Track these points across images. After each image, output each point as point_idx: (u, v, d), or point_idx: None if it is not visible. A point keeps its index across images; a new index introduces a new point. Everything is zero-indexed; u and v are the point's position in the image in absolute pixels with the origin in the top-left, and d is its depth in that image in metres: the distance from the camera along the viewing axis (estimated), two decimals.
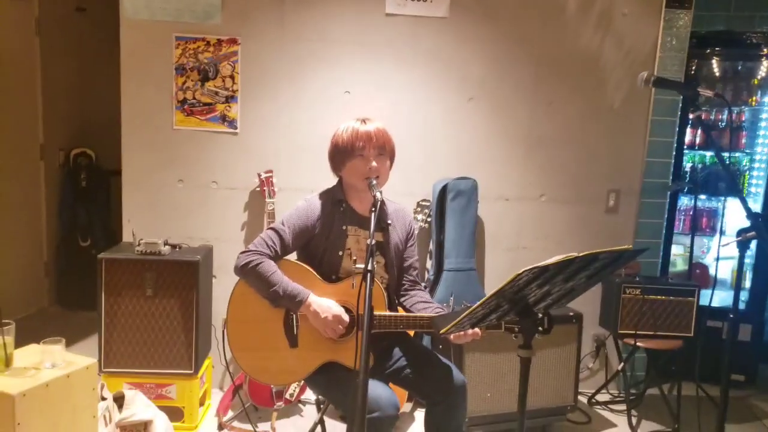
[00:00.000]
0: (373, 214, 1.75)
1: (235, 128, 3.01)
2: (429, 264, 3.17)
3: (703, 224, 3.64)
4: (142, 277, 2.61)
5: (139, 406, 2.48)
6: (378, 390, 1.88)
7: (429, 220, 3.05)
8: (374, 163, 2.00)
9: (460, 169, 3.14)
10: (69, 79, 4.50)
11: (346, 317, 1.95)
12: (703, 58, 3.43)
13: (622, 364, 3.06)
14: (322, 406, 2.33)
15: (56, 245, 4.51)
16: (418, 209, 3.03)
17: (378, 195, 1.83)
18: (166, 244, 2.67)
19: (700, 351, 2.81)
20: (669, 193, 3.33)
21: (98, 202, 4.53)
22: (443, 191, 3.03)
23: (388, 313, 1.96)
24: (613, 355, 3.27)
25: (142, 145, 2.99)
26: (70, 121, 4.57)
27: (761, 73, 3.46)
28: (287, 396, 2.81)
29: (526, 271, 1.38)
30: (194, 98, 2.95)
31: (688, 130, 3.52)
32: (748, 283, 3.53)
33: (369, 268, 1.58)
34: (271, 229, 2.04)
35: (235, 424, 2.79)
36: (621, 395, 3.20)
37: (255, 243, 2.00)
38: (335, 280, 2.04)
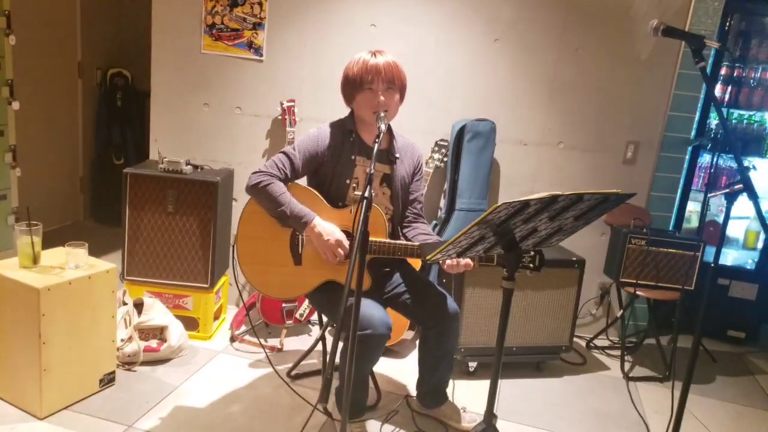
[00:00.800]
0: (376, 144, 1.81)
1: (261, 56, 3.06)
2: (442, 203, 3.24)
3: (722, 183, 3.59)
4: (164, 194, 2.76)
5: (157, 313, 2.69)
6: (372, 309, 2.01)
7: (446, 159, 3.10)
8: (382, 98, 2.05)
9: (481, 110, 3.15)
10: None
11: (346, 242, 2.06)
12: (743, 11, 3.30)
13: (622, 311, 3.14)
14: (324, 323, 2.49)
15: (91, 162, 4.72)
16: (436, 148, 3.07)
17: (382, 127, 1.89)
18: (188, 164, 2.80)
19: (704, 305, 2.85)
20: (689, 148, 3.29)
21: (133, 122, 4.69)
22: (461, 132, 3.06)
23: (381, 239, 2.05)
24: (616, 304, 3.34)
25: (171, 67, 3.09)
26: (108, 41, 4.68)
27: None
28: (297, 316, 2.98)
29: (505, 203, 1.44)
30: (222, 23, 3.01)
31: (718, 86, 3.44)
32: (760, 244, 3.52)
33: (366, 195, 1.67)
34: (283, 152, 2.13)
35: (246, 337, 2.99)
36: (619, 342, 3.29)
37: (266, 164, 2.10)
38: (341, 207, 2.14)
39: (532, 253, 2.08)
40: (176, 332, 2.70)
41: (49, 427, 2.12)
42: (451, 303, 2.20)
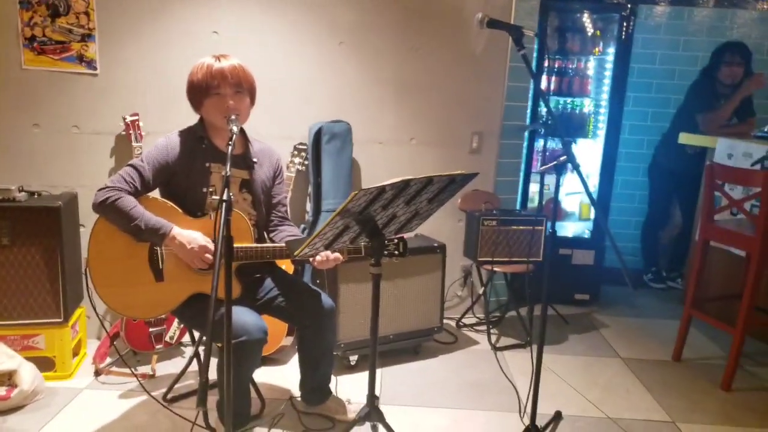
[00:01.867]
0: (230, 147, 1.78)
1: (95, 69, 2.87)
2: (308, 206, 3.27)
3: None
4: None
5: (2, 357, 2.42)
6: (245, 316, 1.98)
7: (306, 162, 3.13)
8: (231, 102, 2.03)
9: (336, 112, 3.23)
10: None
11: (211, 246, 2.01)
12: (557, 9, 3.73)
13: (483, 288, 3.39)
14: (197, 339, 2.40)
15: None
16: (296, 152, 3.09)
17: (234, 129, 1.86)
18: (21, 190, 2.55)
19: (547, 274, 3.16)
20: (525, 134, 3.64)
21: None
22: (318, 134, 3.12)
23: (247, 244, 2.03)
24: (478, 283, 3.59)
25: None
26: None
27: (605, 26, 3.82)
28: (167, 339, 2.84)
29: (363, 190, 1.52)
30: (44, 35, 2.78)
31: (544, 77, 3.84)
32: (592, 215, 3.99)
33: (224, 198, 1.65)
34: (130, 165, 2.03)
35: (113, 369, 2.78)
36: (485, 317, 3.54)
37: (113, 179, 1.99)
38: (200, 216, 2.09)
39: (396, 240, 2.18)
40: (28, 375, 2.44)
41: None
42: (325, 299, 2.24)
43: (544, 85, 3.86)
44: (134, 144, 2.80)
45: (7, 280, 2.54)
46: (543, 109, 3.88)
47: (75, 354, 2.79)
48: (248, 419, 2.20)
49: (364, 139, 3.31)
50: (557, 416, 2.48)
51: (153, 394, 2.44)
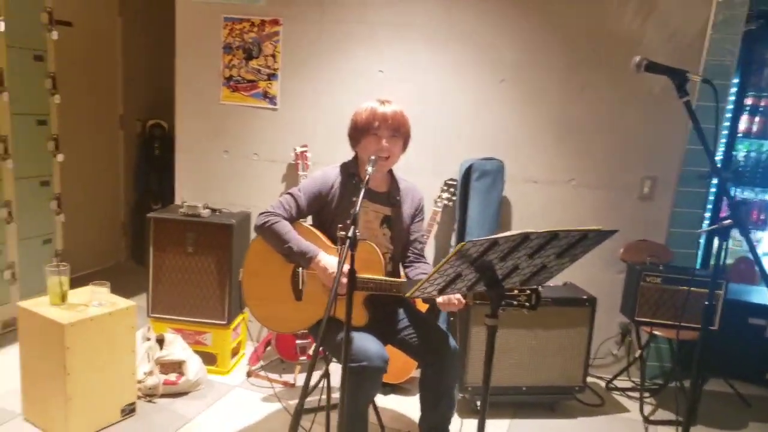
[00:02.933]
0: (364, 186, 1.88)
1: (275, 104, 3.25)
2: (453, 242, 3.29)
3: (754, 217, 3.49)
4: (184, 236, 2.92)
5: (177, 348, 2.82)
6: (367, 343, 2.06)
7: (454, 198, 3.15)
8: (385, 143, 2.15)
9: (489, 150, 3.21)
10: (147, 56, 4.93)
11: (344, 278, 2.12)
12: (763, 39, 3.26)
13: (640, 351, 3.06)
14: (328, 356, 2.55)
15: (131, 207, 5.01)
16: (445, 187, 3.14)
17: (369, 169, 1.97)
18: (206, 207, 2.96)
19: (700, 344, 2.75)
20: (709, 182, 3.23)
21: (169, 169, 4.95)
22: (468, 171, 3.13)
23: (369, 276, 2.10)
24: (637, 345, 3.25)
25: (193, 117, 3.31)
26: (147, 94, 5.02)
27: None
28: (310, 352, 3.05)
29: (471, 242, 1.49)
30: (239, 75, 3.22)
31: (745, 117, 3.38)
32: None
33: (349, 234, 1.75)
34: (289, 193, 2.25)
35: (262, 373, 3.07)
36: (645, 383, 3.18)
37: (273, 205, 2.22)
38: (337, 246, 2.22)
39: (528, 291, 2.08)
40: (194, 367, 2.81)
41: None
42: (451, 341, 2.23)
43: (743, 126, 3.39)
44: (300, 173, 3.09)
45: (188, 283, 2.97)
46: (741, 154, 3.42)
47: (235, 353, 3.14)
48: None
49: (518, 177, 3.23)
50: None
51: (290, 402, 2.63)
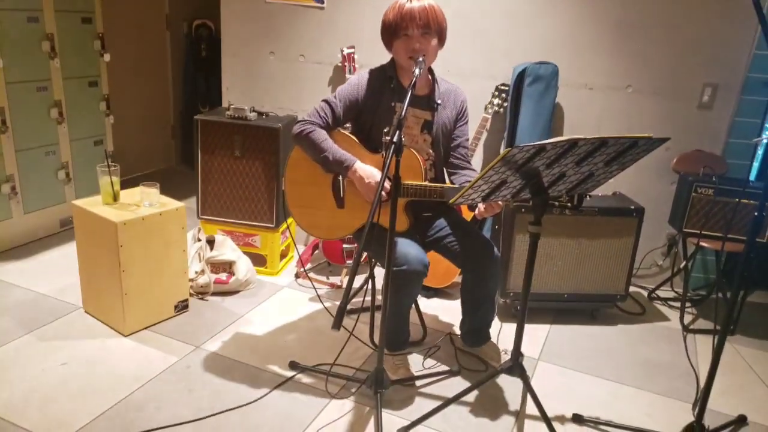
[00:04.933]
0: (411, 90, 1.84)
1: (323, 3, 3.13)
2: (502, 149, 3.22)
3: None
4: (232, 140, 2.96)
5: (227, 249, 2.95)
6: (408, 248, 2.10)
7: (505, 105, 3.06)
8: (417, 44, 2.05)
9: (544, 54, 3.05)
10: None
11: (386, 184, 2.14)
12: None
13: (685, 262, 3.02)
14: (372, 261, 2.63)
15: (180, 110, 5.08)
16: (496, 93, 3.04)
17: (416, 72, 1.92)
18: (253, 110, 2.97)
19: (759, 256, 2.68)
20: None
21: (216, 70, 4.95)
22: (521, 75, 3.00)
23: (411, 182, 2.10)
24: (683, 256, 3.21)
25: (239, 18, 3.24)
26: None
27: None
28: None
29: (518, 147, 1.46)
30: None
31: None
32: None
33: (395, 140, 1.73)
34: (325, 101, 2.22)
35: (311, 275, 3.21)
36: (688, 294, 3.18)
37: (309, 113, 2.20)
38: (380, 152, 2.22)
39: (565, 196, 2.05)
40: (243, 267, 2.95)
41: (131, 343, 2.45)
42: (490, 247, 2.24)
43: None
44: (347, 75, 3.03)
45: (236, 186, 3.05)
46: None
47: (284, 256, 3.27)
48: (406, 344, 2.38)
49: (573, 83, 3.09)
50: (740, 420, 2.19)
51: (335, 302, 2.76)
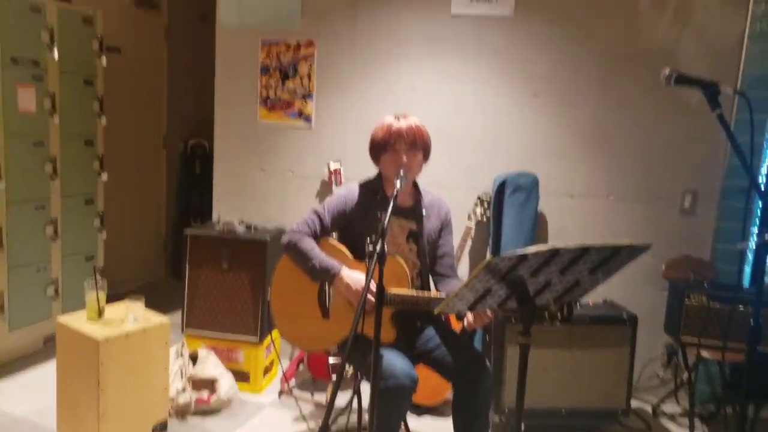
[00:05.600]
0: (393, 201, 1.87)
1: (310, 123, 3.29)
2: (488, 257, 3.23)
3: None
4: (220, 253, 2.97)
5: (209, 365, 2.84)
6: (395, 360, 2.03)
7: (487, 214, 3.11)
8: (404, 158, 2.14)
9: (523, 164, 3.16)
10: (191, 79, 5.08)
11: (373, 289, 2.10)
12: None
13: (688, 374, 2.91)
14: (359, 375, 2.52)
15: (173, 224, 5.13)
16: (478, 202, 3.10)
17: (397, 184, 1.97)
18: (241, 223, 3.01)
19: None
20: (753, 196, 3.08)
21: (209, 186, 5.06)
22: (502, 186, 3.08)
23: (396, 290, 2.07)
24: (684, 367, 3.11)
25: (232, 136, 3.39)
26: (190, 115, 5.17)
27: None
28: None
29: (500, 256, 1.45)
30: (276, 95, 3.29)
31: None
32: None
33: (377, 249, 1.73)
34: (314, 211, 2.25)
35: (295, 392, 3.07)
36: (696, 409, 3.03)
37: (298, 223, 2.23)
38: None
39: (556, 305, 2.02)
40: (226, 384, 2.83)
41: None
42: (481, 359, 2.17)
43: None
44: (334, 188, 3.11)
45: (222, 299, 3.00)
46: None
47: (267, 371, 3.15)
48: None
49: (554, 191, 3.17)
50: None
51: (320, 422, 2.61)
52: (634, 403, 3.02)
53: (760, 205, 3.17)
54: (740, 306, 2.66)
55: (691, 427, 2.80)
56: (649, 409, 3.08)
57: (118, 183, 4.36)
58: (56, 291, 3.43)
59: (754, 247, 3.11)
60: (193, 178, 5.05)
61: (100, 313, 2.43)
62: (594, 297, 3.02)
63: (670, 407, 3.09)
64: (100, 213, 3.76)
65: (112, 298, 2.51)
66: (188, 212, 5.04)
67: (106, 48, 3.66)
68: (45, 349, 3.38)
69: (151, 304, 2.50)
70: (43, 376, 3.04)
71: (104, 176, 3.74)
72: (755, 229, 3.06)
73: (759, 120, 2.98)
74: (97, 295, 2.41)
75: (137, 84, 4.57)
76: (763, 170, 3.15)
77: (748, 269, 3.21)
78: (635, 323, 2.71)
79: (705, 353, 2.71)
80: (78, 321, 2.42)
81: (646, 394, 3.19)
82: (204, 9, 5.02)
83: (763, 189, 3.07)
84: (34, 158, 3.25)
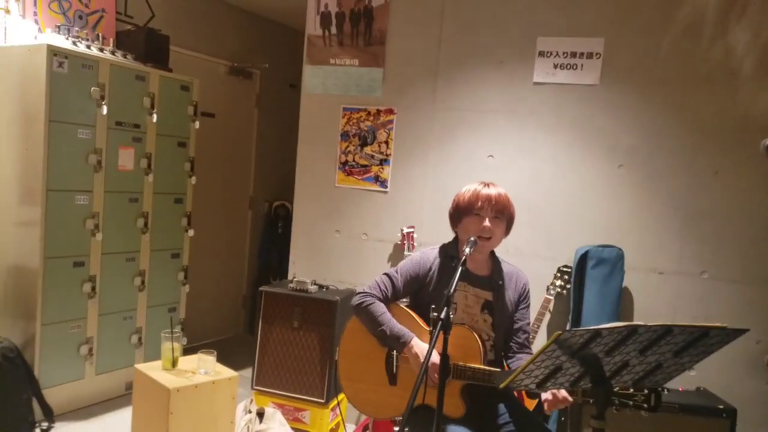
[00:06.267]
0: (460, 267, 1.84)
1: (386, 188, 3.35)
2: None
3: None
4: (292, 311, 3.02)
5: (276, 423, 2.84)
6: None
7: (568, 286, 2.98)
8: (488, 223, 2.11)
9: (607, 237, 3.03)
10: (278, 144, 5.39)
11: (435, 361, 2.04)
12: None
13: None
14: None
15: (253, 282, 5.31)
16: (558, 274, 2.99)
17: (466, 250, 1.94)
18: (314, 284, 3.06)
19: None
20: None
21: (289, 246, 5.25)
22: (584, 258, 2.96)
23: (466, 363, 2.01)
24: None
25: (310, 199, 3.51)
26: (276, 178, 5.44)
27: None
28: None
29: (569, 331, 1.37)
30: (354, 161, 3.39)
31: None
32: None
33: (442, 317, 1.70)
34: (386, 274, 2.25)
35: None
36: None
37: (370, 285, 2.23)
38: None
39: (646, 391, 1.86)
40: None
41: None
42: None
43: None
44: (406, 253, 3.11)
45: (292, 358, 3.02)
46: None
47: None
48: None
49: (640, 267, 2.99)
50: None
51: None
52: None
53: None
54: None
55: None
56: None
57: (205, 240, 4.60)
58: (140, 339, 3.60)
59: None
60: (275, 238, 5.24)
61: (174, 363, 2.52)
62: (686, 383, 2.77)
63: None
64: (184, 267, 3.95)
65: (189, 351, 2.59)
66: (268, 271, 5.20)
67: (201, 113, 3.96)
68: (126, 394, 3.53)
69: (225, 359, 2.56)
70: (123, 420, 3.16)
71: (191, 232, 3.95)
72: None
73: None
74: (172, 345, 2.50)
75: (228, 147, 4.89)
76: None
77: None
78: (734, 417, 2.44)
79: None
80: (154, 369, 2.52)
81: None
82: (293, 78, 5.38)
83: None
84: (129, 213, 3.50)
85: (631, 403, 1.82)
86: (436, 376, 2.04)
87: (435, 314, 2.08)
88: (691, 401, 2.49)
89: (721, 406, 2.46)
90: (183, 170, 3.86)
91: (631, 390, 1.79)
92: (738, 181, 2.87)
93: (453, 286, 1.76)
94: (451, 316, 1.73)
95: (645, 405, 1.83)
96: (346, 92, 3.40)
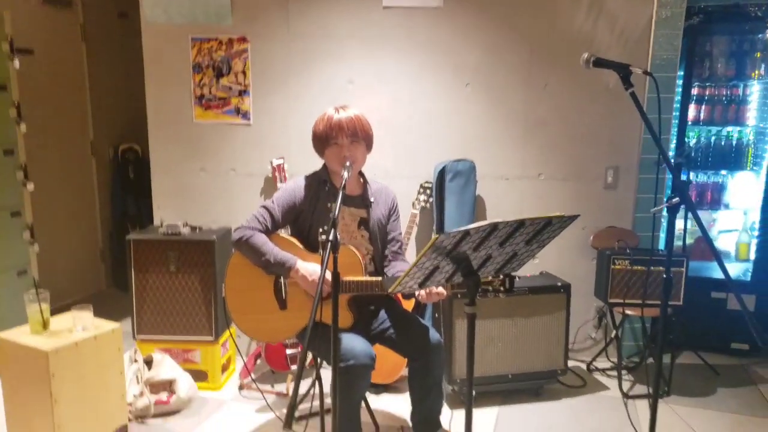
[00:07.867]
0: (342, 191, 1.96)
1: (249, 120, 3.31)
2: None
3: (708, 198, 3.68)
4: (166, 256, 2.96)
5: (165, 367, 2.85)
6: (354, 342, 2.14)
7: (431, 200, 3.25)
8: (347, 152, 2.23)
9: (462, 151, 3.33)
10: (115, 81, 4.93)
11: (329, 278, 2.20)
12: (704, 33, 3.44)
13: (615, 331, 3.19)
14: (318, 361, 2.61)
15: (109, 233, 4.99)
16: (421, 190, 3.23)
17: (345, 175, 2.06)
18: (186, 225, 3.01)
19: (681, 319, 2.89)
20: (666, 168, 3.39)
21: (145, 191, 4.95)
22: (442, 172, 3.23)
23: (351, 278, 2.19)
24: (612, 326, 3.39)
25: (167, 138, 3.35)
26: (118, 119, 5.02)
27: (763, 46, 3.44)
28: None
29: (445, 234, 1.59)
30: (210, 93, 3.28)
31: (692, 106, 3.55)
32: (753, 255, 3.55)
33: (330, 238, 1.82)
34: (263, 206, 2.31)
35: (254, 385, 3.11)
36: (623, 362, 3.31)
37: (248, 219, 2.28)
38: (319, 253, 2.30)
39: (502, 276, 2.18)
40: (185, 385, 2.84)
41: None
42: (433, 334, 2.31)
43: (692, 114, 3.57)
44: (279, 185, 3.15)
45: (173, 302, 3.00)
46: (692, 141, 3.60)
47: (226, 368, 3.18)
48: None
49: (490, 175, 3.35)
50: None
51: (283, 411, 2.68)
52: (571, 363, 3.27)
53: (670, 176, 3.49)
54: (654, 267, 2.94)
55: (619, 378, 3.08)
56: (584, 366, 3.35)
57: (48, 194, 4.21)
58: None
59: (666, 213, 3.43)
60: (127, 184, 4.92)
61: (45, 324, 2.38)
62: (531, 270, 3.24)
63: (601, 363, 3.37)
64: (29, 225, 3.62)
65: (52, 312, 2.45)
66: (125, 219, 4.91)
67: (17, 50, 3.50)
68: None
69: (96, 315, 2.47)
70: None
71: (30, 186, 3.60)
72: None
73: (666, 99, 3.28)
74: (40, 306, 2.36)
75: (56, 88, 4.38)
76: (672, 144, 3.47)
77: (663, 235, 3.54)
78: (569, 291, 2.93)
79: (629, 311, 2.99)
80: (21, 335, 2.35)
81: (581, 354, 3.46)
82: (123, 5, 4.88)
83: (672, 162, 3.39)
84: None
85: (491, 288, 2.12)
86: (326, 287, 2.19)
87: (324, 236, 2.21)
88: (536, 283, 2.94)
89: (559, 284, 2.94)
90: (8, 117, 3.44)
91: (490, 278, 2.10)
92: (564, 91, 3.28)
93: (337, 209, 1.88)
94: (340, 236, 1.86)
95: (502, 288, 2.16)
96: (193, 20, 3.21)
